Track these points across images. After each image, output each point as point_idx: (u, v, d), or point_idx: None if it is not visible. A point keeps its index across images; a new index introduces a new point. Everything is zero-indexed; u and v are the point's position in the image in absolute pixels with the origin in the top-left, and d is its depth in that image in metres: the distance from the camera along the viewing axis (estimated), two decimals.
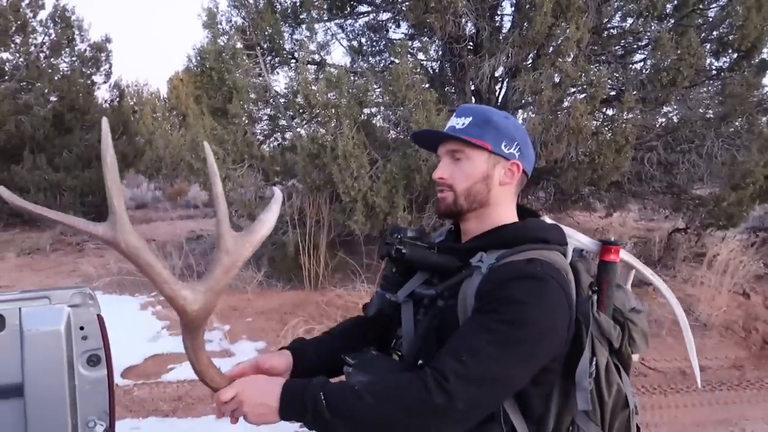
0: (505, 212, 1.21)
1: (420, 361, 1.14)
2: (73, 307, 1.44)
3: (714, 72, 6.08)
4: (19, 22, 9.92)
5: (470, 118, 1.18)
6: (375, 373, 1.10)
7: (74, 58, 10.68)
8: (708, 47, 5.69)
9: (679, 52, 5.08)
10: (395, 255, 1.21)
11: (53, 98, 10.25)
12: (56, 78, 10.23)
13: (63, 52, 10.53)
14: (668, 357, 4.54)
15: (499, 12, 6.43)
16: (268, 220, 0.99)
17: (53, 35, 10.43)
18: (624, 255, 1.25)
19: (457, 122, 1.19)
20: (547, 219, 1.25)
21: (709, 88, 6.37)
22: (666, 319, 4.95)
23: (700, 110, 6.16)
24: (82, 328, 1.45)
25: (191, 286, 0.92)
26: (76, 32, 10.66)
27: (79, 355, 1.45)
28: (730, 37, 5.48)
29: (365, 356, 1.20)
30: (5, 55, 10.12)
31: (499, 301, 1.02)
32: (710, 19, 5.93)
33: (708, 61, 5.84)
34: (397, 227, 1.29)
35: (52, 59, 10.46)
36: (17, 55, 10.14)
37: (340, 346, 1.30)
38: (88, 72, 10.83)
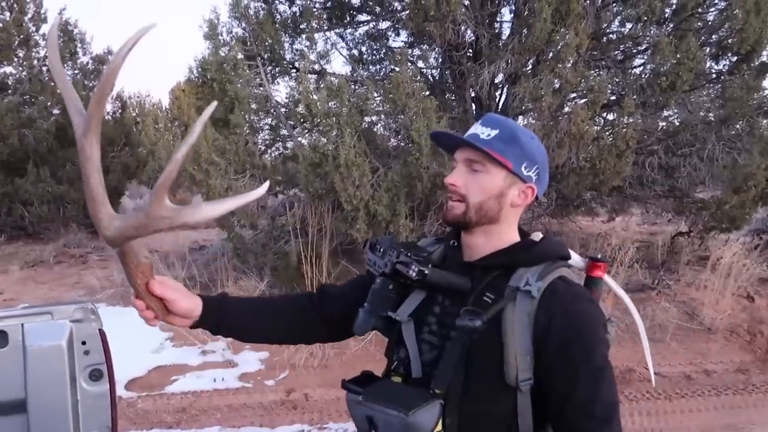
0: (512, 230, 1.20)
1: (436, 389, 1.09)
2: (75, 322, 1.45)
3: (714, 75, 6.08)
4: (21, 36, 9.99)
5: (496, 131, 1.14)
6: (395, 402, 1.06)
7: (77, 71, 10.74)
8: (707, 51, 5.70)
9: (678, 56, 5.09)
10: (417, 276, 1.13)
11: (56, 111, 10.30)
12: (59, 91, 10.27)
13: (65, 65, 10.59)
14: (672, 362, 4.52)
15: (498, 19, 6.45)
16: (206, 212, 0.95)
17: None
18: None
19: (482, 132, 1.15)
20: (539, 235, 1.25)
21: (710, 91, 6.38)
22: (669, 323, 4.95)
23: (701, 114, 6.16)
24: (84, 343, 1.46)
25: (112, 216, 0.96)
26: (79, 45, 10.73)
27: (82, 370, 1.46)
28: (730, 41, 5.49)
29: (370, 383, 1.16)
30: (8, 69, 10.19)
31: (584, 338, 1.07)
32: (709, 23, 5.94)
33: (707, 64, 5.85)
34: (384, 240, 1.23)
35: None
36: (20, 68, 10.20)
37: (275, 324, 1.33)
38: (91, 84, 10.88)
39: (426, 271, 1.13)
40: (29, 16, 10.17)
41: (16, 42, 9.96)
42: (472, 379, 1.09)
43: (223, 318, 1.25)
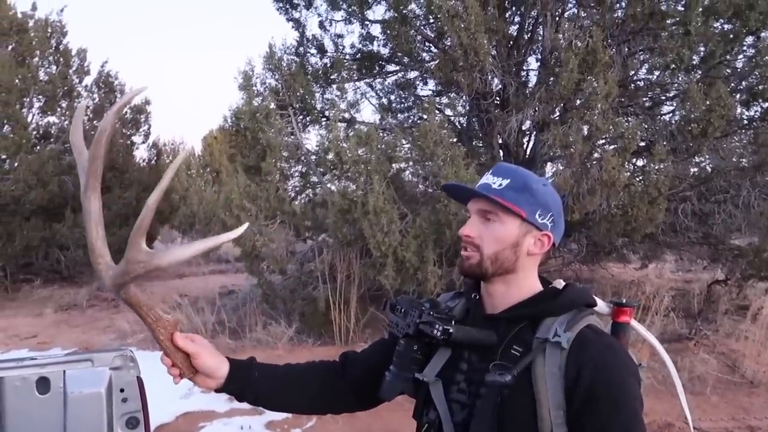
0: (531, 279, 1.18)
1: None
2: (115, 370, 1.47)
3: (745, 121, 6.02)
4: (66, 88, 10.48)
5: (508, 180, 1.13)
6: None
7: (116, 120, 11.16)
8: (738, 97, 5.67)
9: (708, 102, 5.07)
10: (442, 336, 1.11)
11: None
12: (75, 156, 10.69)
13: (106, 114, 11.01)
14: (714, 416, 4.32)
15: (524, 68, 6.56)
16: (177, 255, 1.05)
17: (97, 99, 10.98)
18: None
19: (494, 181, 1.14)
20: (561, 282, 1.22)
21: (742, 137, 6.31)
22: (709, 376, 4.76)
23: (734, 160, 6.08)
24: (122, 390, 1.47)
25: (108, 266, 1.04)
26: (119, 96, 11.20)
27: (119, 418, 1.47)
28: (760, 87, 5.46)
29: None
30: (52, 119, 10.65)
31: (614, 393, 1.02)
32: (738, 70, 5.92)
33: (738, 110, 5.80)
34: (403, 300, 1.21)
35: (95, 122, 10.97)
36: (63, 118, 10.64)
37: (303, 392, 1.30)
38: (129, 133, 11.30)
39: (451, 330, 1.11)
40: (73, 68, 10.69)
41: (60, 93, 10.43)
42: None
43: (249, 383, 1.25)
